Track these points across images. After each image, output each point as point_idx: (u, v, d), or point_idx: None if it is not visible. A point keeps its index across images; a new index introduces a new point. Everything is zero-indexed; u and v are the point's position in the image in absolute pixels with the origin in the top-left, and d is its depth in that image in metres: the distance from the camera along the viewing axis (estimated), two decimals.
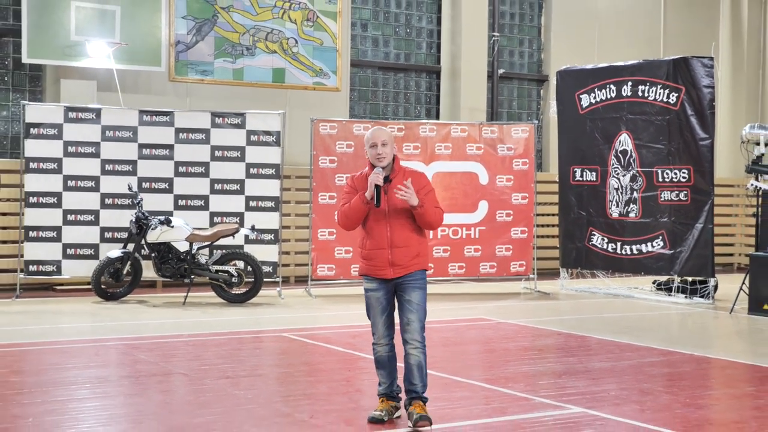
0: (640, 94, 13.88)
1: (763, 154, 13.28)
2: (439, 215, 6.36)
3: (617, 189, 14.14)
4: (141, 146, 13.22)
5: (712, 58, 13.44)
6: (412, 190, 6.17)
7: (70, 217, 12.96)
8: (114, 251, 12.54)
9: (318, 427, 6.31)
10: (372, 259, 6.31)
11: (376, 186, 6.19)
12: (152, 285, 13.80)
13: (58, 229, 12.91)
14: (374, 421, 6.31)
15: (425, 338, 6.30)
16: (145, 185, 13.17)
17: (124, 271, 12.47)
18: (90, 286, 12.62)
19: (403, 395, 6.43)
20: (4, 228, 13.35)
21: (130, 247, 12.57)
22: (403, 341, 6.29)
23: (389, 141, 6.30)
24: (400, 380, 6.44)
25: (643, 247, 13.87)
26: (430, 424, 6.16)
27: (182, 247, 12.56)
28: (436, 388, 7.41)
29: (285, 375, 8.26)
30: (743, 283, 12.45)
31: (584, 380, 7.96)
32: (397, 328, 6.41)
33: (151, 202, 13.02)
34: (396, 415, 6.42)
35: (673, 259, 13.53)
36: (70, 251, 12.95)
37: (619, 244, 14.14)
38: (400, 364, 6.41)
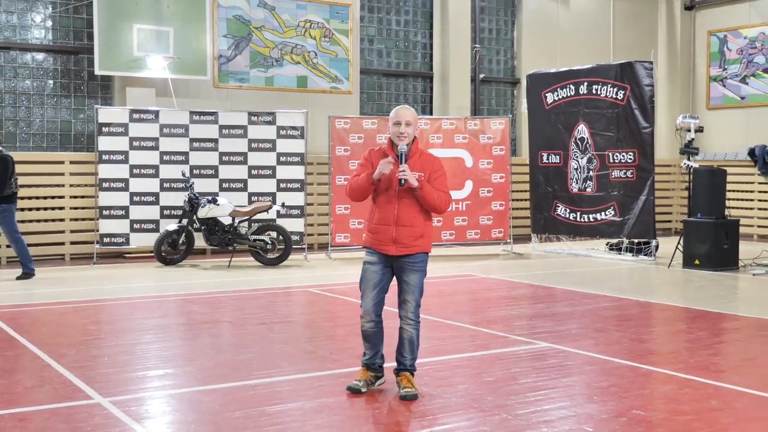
0: (594, 92, 13.80)
1: (693, 139, 13.20)
2: (444, 200, 5.30)
3: (576, 169, 14.09)
4: (192, 140, 13.20)
5: (651, 62, 13.36)
6: (409, 171, 5.19)
7: (136, 199, 12.97)
8: (171, 225, 12.57)
9: (337, 361, 6.34)
10: (377, 233, 5.31)
11: (400, 155, 5.22)
12: (203, 252, 13.82)
13: (126, 208, 12.92)
14: (352, 390, 5.35)
15: (419, 316, 5.37)
16: (196, 172, 13.16)
17: (180, 241, 12.50)
18: (152, 254, 12.65)
19: (387, 365, 5.55)
20: (83, 208, 13.36)
21: (185, 221, 12.58)
22: (399, 315, 5.39)
23: (413, 121, 5.27)
24: (385, 351, 5.56)
25: (598, 216, 13.84)
26: (416, 398, 5.23)
27: (226, 221, 12.56)
28: (431, 330, 7.44)
29: (310, 321, 8.31)
30: (678, 243, 12.45)
31: (550, 321, 7.98)
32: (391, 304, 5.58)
33: (201, 185, 13.02)
34: (377, 384, 5.47)
35: (622, 225, 13.50)
36: (136, 226, 12.96)
37: (578, 213, 14.11)
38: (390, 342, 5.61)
